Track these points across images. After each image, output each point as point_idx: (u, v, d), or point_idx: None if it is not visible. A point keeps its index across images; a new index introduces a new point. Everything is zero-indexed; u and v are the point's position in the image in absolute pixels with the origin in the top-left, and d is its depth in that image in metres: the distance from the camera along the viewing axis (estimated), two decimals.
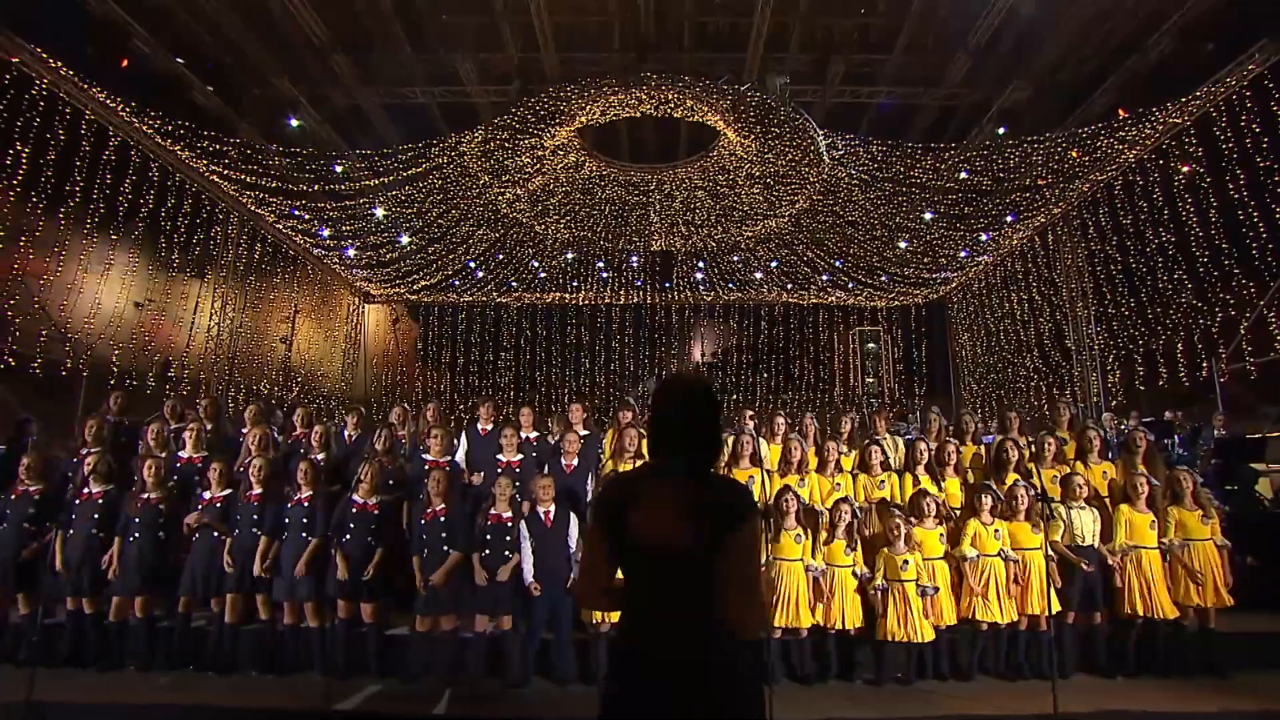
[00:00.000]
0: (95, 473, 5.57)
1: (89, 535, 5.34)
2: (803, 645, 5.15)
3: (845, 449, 6.14)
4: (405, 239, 15.01)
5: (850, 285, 16.61)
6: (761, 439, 6.19)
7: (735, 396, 19.53)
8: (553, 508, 5.14)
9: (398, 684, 4.96)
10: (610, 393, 17.69)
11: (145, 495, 5.37)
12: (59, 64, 9.74)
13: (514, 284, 16.96)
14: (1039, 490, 4.83)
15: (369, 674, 5.08)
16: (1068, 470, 5.61)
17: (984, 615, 5.04)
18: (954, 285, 16.42)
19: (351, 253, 15.53)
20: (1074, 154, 11.72)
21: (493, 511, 5.13)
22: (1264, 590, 6.20)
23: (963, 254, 15.15)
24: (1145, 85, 11.47)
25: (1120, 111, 11.29)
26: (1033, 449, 5.96)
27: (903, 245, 15.09)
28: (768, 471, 5.88)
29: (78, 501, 5.51)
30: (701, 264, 16.69)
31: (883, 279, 16.23)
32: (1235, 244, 10.23)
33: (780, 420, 6.52)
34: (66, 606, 5.31)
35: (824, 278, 16.48)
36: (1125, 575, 5.20)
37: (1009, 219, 13.54)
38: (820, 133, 12.16)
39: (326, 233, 14.51)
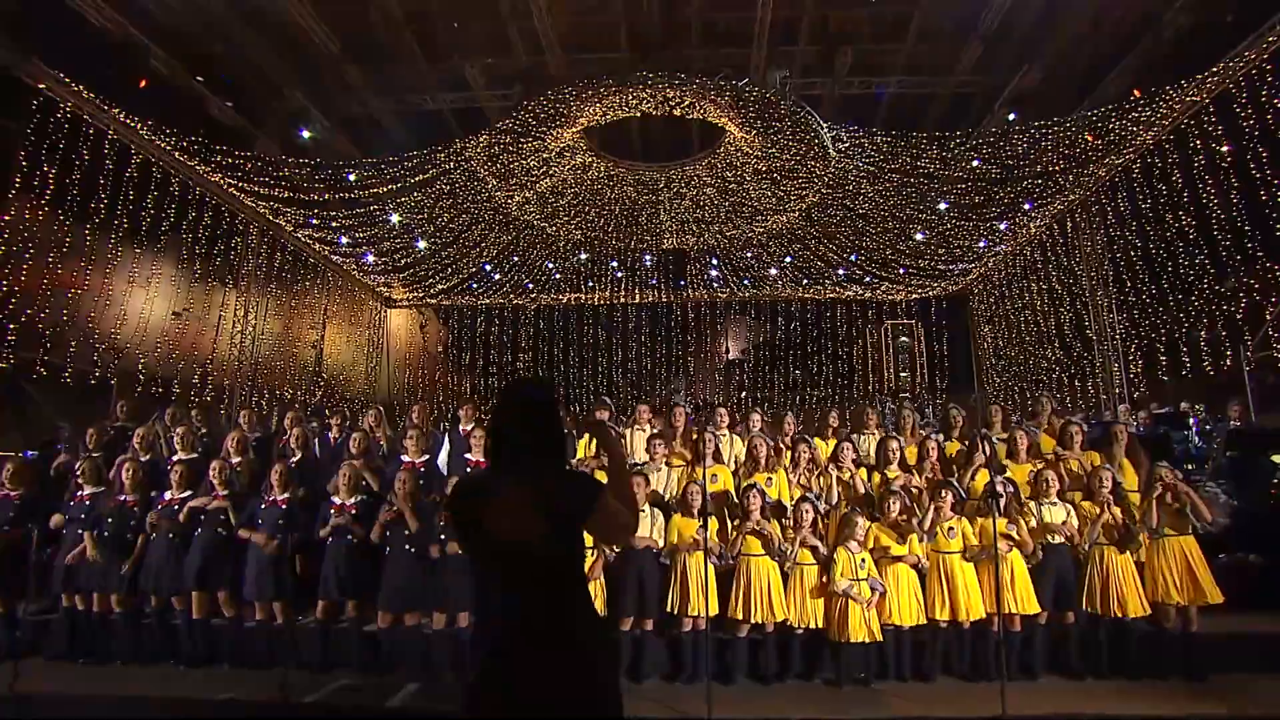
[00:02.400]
0: (85, 476, 5.88)
1: (77, 536, 5.65)
2: (767, 643, 5.13)
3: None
4: (422, 244, 15.31)
5: (868, 279, 16.32)
6: (736, 436, 6.19)
7: (764, 394, 19.40)
8: None
9: (366, 678, 5.12)
10: (629, 392, 17.75)
11: (121, 496, 5.66)
12: (81, 88, 10.21)
13: (530, 285, 17.13)
14: (989, 486, 4.72)
15: (344, 669, 5.26)
16: (1041, 465, 5.47)
17: (941, 615, 4.96)
18: (974, 276, 16.00)
19: (371, 258, 15.91)
20: (1089, 137, 11.34)
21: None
22: (1268, 590, 5.96)
23: (981, 244, 14.76)
24: (1162, 65, 11.00)
25: (1135, 92, 10.87)
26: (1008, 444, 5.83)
27: (919, 237, 14.79)
28: (734, 471, 5.89)
29: (71, 504, 5.84)
30: (715, 261, 16.61)
31: (901, 272, 15.93)
32: (1259, 226, 9.76)
33: (755, 418, 6.50)
34: (60, 603, 5.64)
35: (840, 272, 16.24)
36: (1088, 572, 5.06)
37: (1026, 207, 13.15)
38: (824, 125, 12.00)
39: (345, 240, 14.90)
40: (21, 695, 4.59)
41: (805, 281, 16.74)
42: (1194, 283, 10.65)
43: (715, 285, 17.38)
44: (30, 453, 9.44)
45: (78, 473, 5.96)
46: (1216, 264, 10.36)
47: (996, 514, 4.53)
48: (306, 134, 13.50)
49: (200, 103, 12.59)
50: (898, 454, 5.67)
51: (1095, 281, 12.52)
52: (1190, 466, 8.58)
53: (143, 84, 11.38)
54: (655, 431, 6.17)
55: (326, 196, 12.47)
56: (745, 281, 17.33)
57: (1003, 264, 15.03)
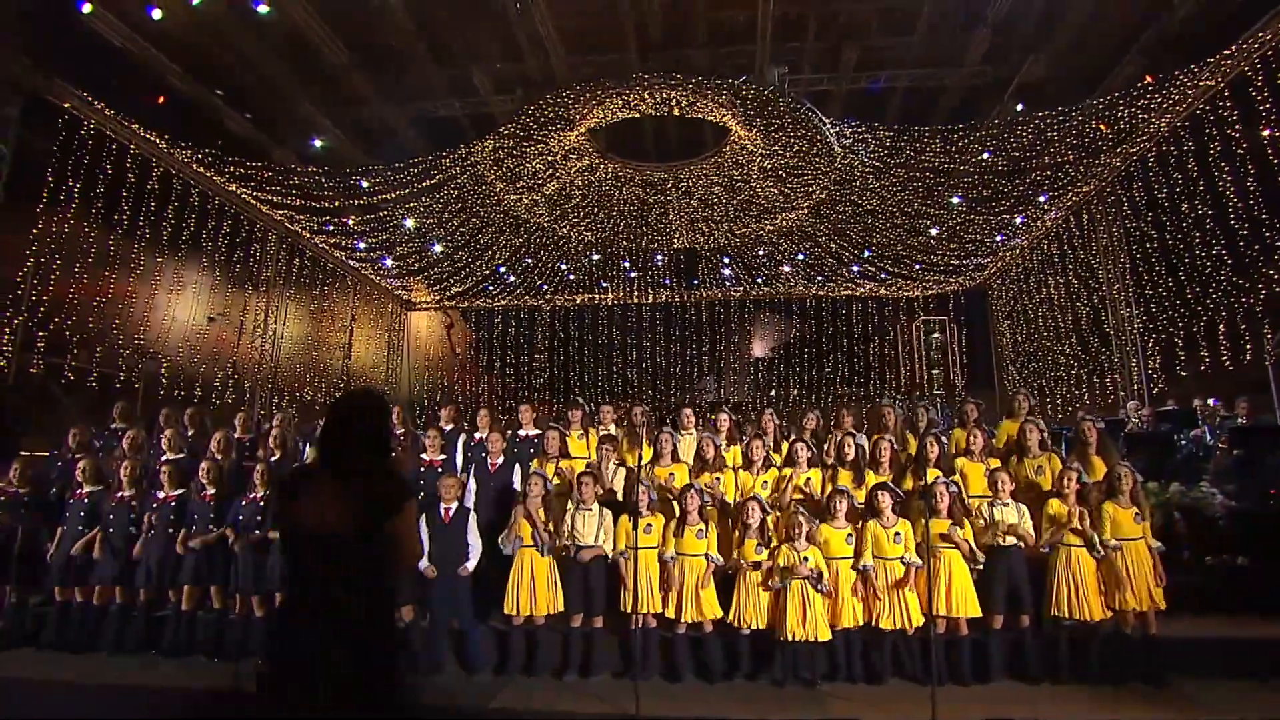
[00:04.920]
0: (84, 475, 6.21)
1: (77, 531, 5.98)
2: (710, 642, 5.14)
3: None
4: (438, 247, 15.64)
5: (883, 276, 16.07)
6: (686, 433, 6.21)
7: (796, 392, 19.22)
8: (454, 505, 5.38)
9: None
10: (644, 392, 17.80)
11: (120, 494, 5.97)
12: (103, 105, 10.73)
13: (545, 287, 17.32)
14: (924, 487, 4.65)
15: None
16: (996, 466, 5.36)
17: (886, 623, 4.89)
18: (993, 271, 15.62)
19: (389, 263, 16.30)
20: (1102, 127, 10.99)
21: None
22: (1250, 593, 5.74)
23: (998, 238, 14.41)
24: (1175, 49, 10.60)
25: (1147, 78, 10.49)
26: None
27: (934, 232, 14.51)
28: (692, 469, 5.90)
29: (70, 501, 6.17)
30: (727, 260, 16.55)
31: (917, 268, 15.64)
32: (1276, 214, 9.33)
33: (723, 418, 6.49)
34: (56, 596, 5.97)
35: (854, 269, 16.02)
36: (1054, 574, 4.94)
37: (1042, 199, 12.79)
38: (826, 121, 11.87)
39: (363, 245, 15.30)
40: (7, 682, 4.88)
41: (819, 279, 16.56)
42: (1212, 274, 10.23)
43: (728, 284, 17.30)
44: (55, 453, 9.93)
45: (78, 471, 6.30)
46: (1235, 254, 9.95)
47: (927, 516, 4.46)
48: (319, 143, 13.90)
49: (217, 116, 13.07)
50: (851, 453, 5.61)
51: (1113, 274, 12.11)
52: (1210, 465, 8.25)
53: (161, 100, 11.91)
54: (606, 433, 6.21)
55: (337, 204, 12.83)
56: (765, 280, 17.20)
57: (1020, 258, 14.65)
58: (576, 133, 12.83)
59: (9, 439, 9.30)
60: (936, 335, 18.61)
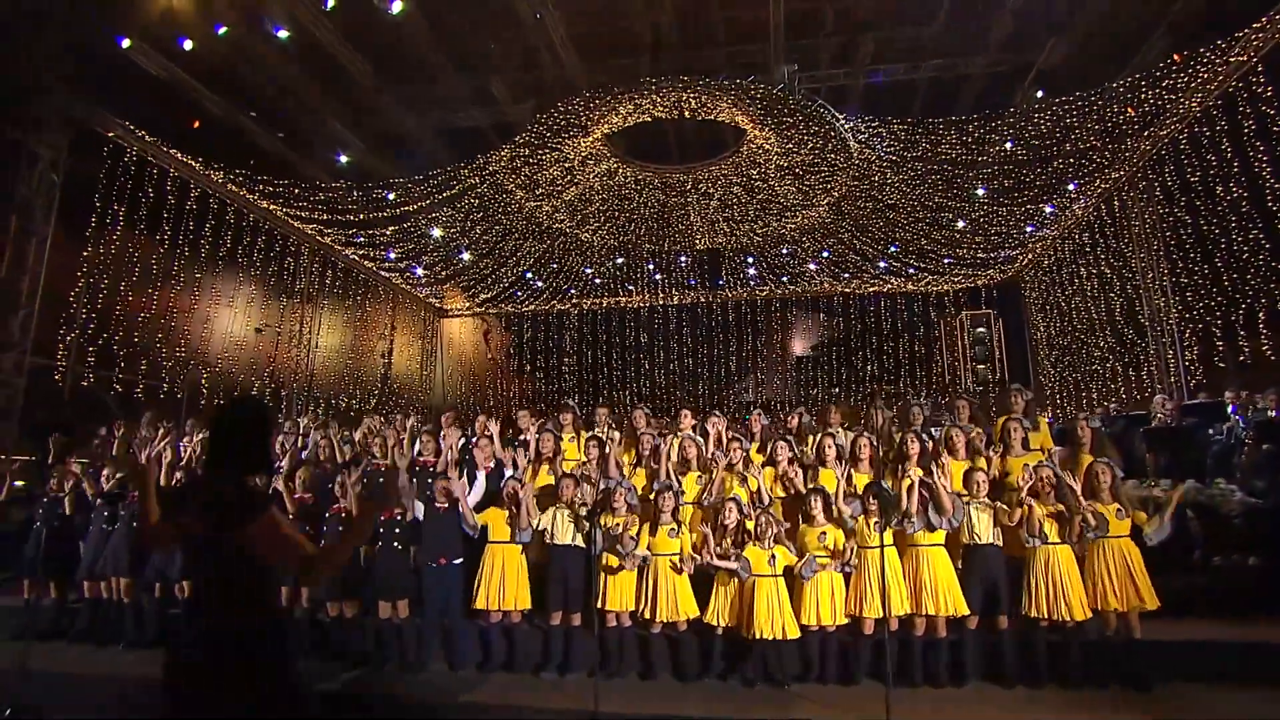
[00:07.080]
0: (107, 479, 6.65)
1: (100, 531, 6.41)
2: (687, 642, 5.19)
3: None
4: (466, 255, 16.03)
5: (911, 271, 15.73)
6: (670, 435, 6.26)
7: (837, 390, 18.95)
8: (445, 504, 5.55)
9: (309, 663, 5.52)
10: (673, 393, 17.83)
11: (133, 494, 6.37)
12: (144, 133, 11.40)
13: (571, 291, 17.53)
14: (874, 485, 4.60)
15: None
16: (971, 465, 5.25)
17: (870, 613, 4.86)
18: (1025, 263, 15.13)
19: (420, 272, 16.77)
20: (1129, 110, 10.57)
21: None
22: (1257, 594, 5.48)
23: (1029, 229, 13.96)
24: (1203, 26, 10.11)
25: (1175, 57, 10.02)
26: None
27: (961, 224, 14.14)
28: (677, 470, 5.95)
29: (98, 502, 6.62)
30: (751, 259, 16.46)
31: (946, 262, 15.27)
32: None
33: (714, 419, 6.51)
34: (83, 593, 6.41)
35: (881, 265, 15.73)
36: (1031, 574, 4.82)
37: (1070, 187, 12.35)
38: (840, 117, 11.73)
39: (393, 255, 15.80)
40: (33, 673, 5.26)
41: (845, 276, 16.32)
42: (1250, 259, 9.73)
43: (753, 284, 17.21)
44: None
45: (101, 475, 6.75)
46: (1273, 238, 9.44)
47: (871, 515, 4.42)
48: (344, 158, 14.40)
49: (249, 136, 13.65)
50: (832, 452, 5.57)
51: (1147, 263, 11.61)
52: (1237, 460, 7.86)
53: (196, 124, 12.55)
54: (593, 435, 6.30)
55: (363, 216, 13.29)
56: (790, 279, 17.03)
57: (1052, 249, 14.16)
58: (592, 138, 12.99)
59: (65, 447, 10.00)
60: (981, 330, 18.08)
